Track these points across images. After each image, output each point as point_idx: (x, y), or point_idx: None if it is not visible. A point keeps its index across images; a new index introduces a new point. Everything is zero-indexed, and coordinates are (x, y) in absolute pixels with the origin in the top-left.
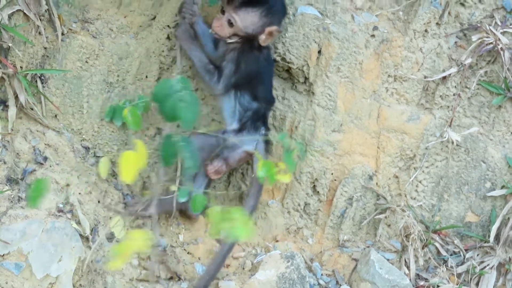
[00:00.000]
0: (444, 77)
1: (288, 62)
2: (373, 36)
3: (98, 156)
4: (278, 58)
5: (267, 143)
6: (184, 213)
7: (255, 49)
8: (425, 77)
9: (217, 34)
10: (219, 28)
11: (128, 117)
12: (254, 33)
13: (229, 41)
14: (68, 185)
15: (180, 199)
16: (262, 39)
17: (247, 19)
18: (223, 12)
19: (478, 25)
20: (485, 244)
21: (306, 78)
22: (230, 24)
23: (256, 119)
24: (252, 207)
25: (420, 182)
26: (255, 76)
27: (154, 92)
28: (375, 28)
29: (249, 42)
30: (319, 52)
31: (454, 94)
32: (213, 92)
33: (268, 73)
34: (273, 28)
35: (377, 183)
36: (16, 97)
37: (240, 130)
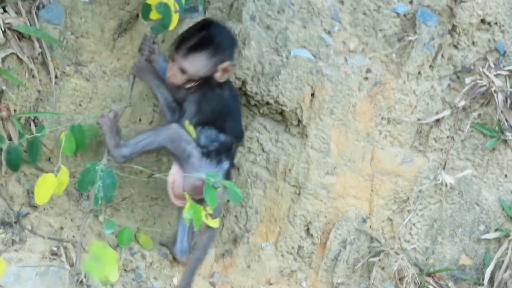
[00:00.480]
0: (438, 120)
1: (281, 105)
2: (366, 78)
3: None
4: (271, 101)
5: (227, 176)
6: (174, 258)
7: (215, 87)
8: (419, 119)
9: (172, 83)
10: (173, 77)
11: (62, 142)
12: (208, 74)
13: (187, 86)
14: (62, 228)
15: (106, 230)
16: (218, 76)
17: (197, 64)
18: (173, 60)
19: (472, 67)
20: (479, 287)
21: (300, 121)
22: (182, 71)
23: (221, 152)
24: (198, 260)
25: (414, 224)
26: (219, 112)
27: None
28: (369, 70)
29: (207, 82)
30: (313, 94)
31: (447, 137)
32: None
33: (234, 107)
34: (226, 64)
35: (370, 226)
36: (10, 140)
37: (203, 156)
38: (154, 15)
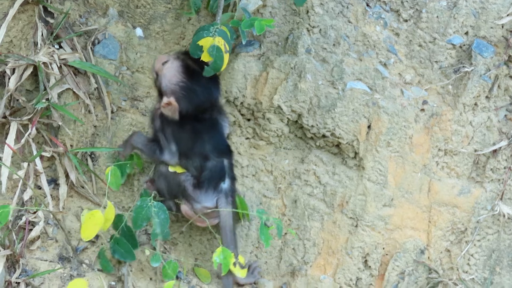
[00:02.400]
0: (495, 150)
1: (338, 137)
2: (422, 110)
3: (149, 233)
4: (327, 133)
5: (231, 195)
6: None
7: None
8: (476, 150)
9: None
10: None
11: (108, 177)
12: (163, 87)
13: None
14: (120, 262)
15: (152, 264)
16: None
17: (169, 69)
18: None
19: None
20: None
21: (356, 153)
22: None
23: (214, 177)
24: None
25: (472, 255)
26: (193, 142)
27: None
28: (425, 102)
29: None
30: (369, 127)
31: (505, 167)
32: (170, 163)
33: (208, 127)
34: (166, 100)
35: (428, 257)
36: (67, 176)
37: (198, 186)
38: (205, 57)
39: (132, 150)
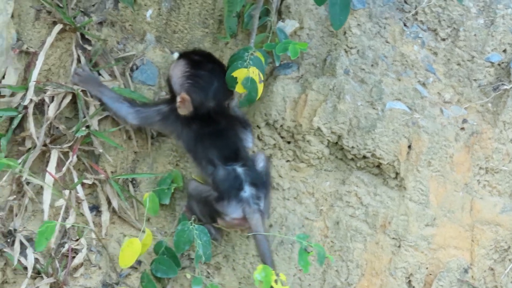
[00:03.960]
0: None
1: (379, 158)
2: (462, 129)
3: (191, 258)
4: (368, 154)
5: (257, 202)
6: None
7: (188, 121)
8: None
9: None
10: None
11: (146, 203)
12: (174, 89)
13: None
14: (163, 287)
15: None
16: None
17: (175, 71)
18: None
19: None
20: None
21: (397, 173)
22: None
23: (231, 187)
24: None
25: None
26: (203, 148)
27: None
28: (465, 121)
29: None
30: (409, 146)
31: None
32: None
33: (214, 132)
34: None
35: (472, 276)
36: (109, 202)
37: (220, 198)
38: (240, 89)
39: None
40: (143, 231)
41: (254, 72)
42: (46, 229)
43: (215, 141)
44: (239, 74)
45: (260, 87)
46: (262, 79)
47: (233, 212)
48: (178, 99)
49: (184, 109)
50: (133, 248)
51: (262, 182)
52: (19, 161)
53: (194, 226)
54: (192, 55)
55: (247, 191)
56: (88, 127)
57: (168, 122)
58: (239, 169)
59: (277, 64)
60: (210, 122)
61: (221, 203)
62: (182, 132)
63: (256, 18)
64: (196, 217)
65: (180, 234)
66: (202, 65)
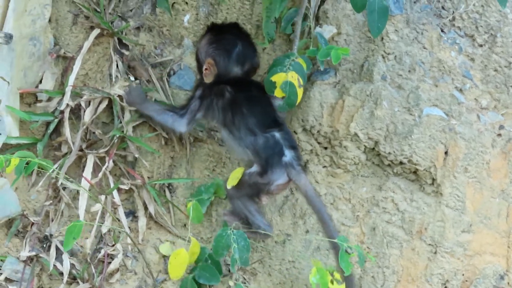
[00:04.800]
0: None
1: (415, 164)
2: (499, 135)
3: (228, 264)
4: (404, 160)
5: (298, 163)
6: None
7: (217, 88)
8: None
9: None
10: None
11: (190, 211)
12: (201, 60)
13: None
14: None
15: None
16: (203, 72)
17: (201, 43)
18: None
19: None
20: None
21: (434, 180)
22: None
23: (272, 154)
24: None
25: None
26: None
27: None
28: (501, 127)
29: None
30: (446, 153)
31: None
32: (178, 130)
33: (248, 100)
34: (211, 61)
35: (508, 283)
36: (145, 208)
37: (264, 172)
38: (278, 93)
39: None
40: (188, 241)
41: (293, 77)
42: (74, 228)
43: (251, 108)
44: (278, 78)
45: (300, 92)
46: (302, 84)
47: (278, 178)
48: (204, 66)
49: (210, 76)
50: (180, 259)
51: (296, 144)
52: (56, 166)
53: (233, 231)
54: (217, 25)
55: (288, 155)
56: (124, 132)
57: (207, 103)
58: (277, 135)
59: (321, 68)
60: (242, 89)
61: (265, 175)
62: (218, 105)
63: (299, 25)
64: (238, 224)
65: (219, 239)
66: (226, 31)
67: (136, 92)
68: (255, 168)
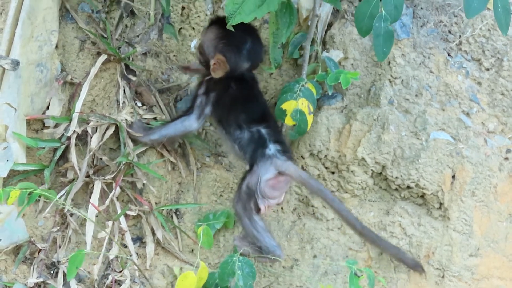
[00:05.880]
0: None
1: (422, 188)
2: (506, 159)
3: None
4: (412, 185)
5: (284, 154)
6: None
7: (222, 83)
8: None
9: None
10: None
11: (200, 236)
12: (207, 56)
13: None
14: None
15: None
16: (211, 67)
17: (208, 35)
18: None
19: None
20: None
21: (441, 204)
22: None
23: (257, 147)
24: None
25: None
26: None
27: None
28: (509, 150)
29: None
30: (453, 177)
31: None
32: (191, 128)
33: (246, 95)
34: (221, 57)
35: None
36: (153, 233)
37: (251, 168)
38: (289, 121)
39: None
40: (197, 266)
41: (303, 104)
42: (76, 257)
43: (246, 104)
44: (288, 106)
45: (310, 118)
46: (312, 110)
47: (265, 172)
48: (213, 61)
49: (220, 71)
50: (188, 282)
51: (286, 143)
52: (63, 192)
53: (238, 257)
54: (223, 19)
55: (272, 148)
56: (131, 158)
57: (214, 98)
58: (263, 130)
59: (330, 93)
60: (244, 85)
61: (253, 171)
62: (223, 100)
63: (307, 49)
64: (248, 250)
65: (224, 266)
66: (235, 26)
67: (138, 125)
68: (246, 167)
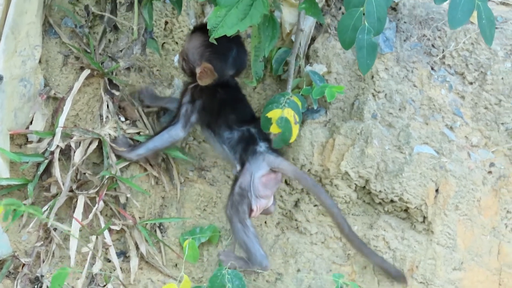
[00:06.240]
0: None
1: (406, 202)
2: (490, 172)
3: None
4: (395, 198)
5: (274, 150)
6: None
7: (208, 89)
8: None
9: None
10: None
11: (186, 250)
12: (192, 63)
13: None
14: None
15: None
16: (197, 75)
17: (192, 42)
18: None
19: None
20: None
21: (425, 217)
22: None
23: (248, 144)
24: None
25: None
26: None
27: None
28: (492, 164)
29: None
30: (437, 190)
31: None
32: (178, 138)
33: (233, 99)
34: (208, 65)
35: None
36: (137, 248)
37: (242, 165)
38: (274, 129)
39: None
40: (180, 280)
41: (289, 113)
42: (59, 275)
43: (234, 107)
44: (274, 114)
45: (296, 129)
46: (298, 121)
47: (258, 169)
48: (199, 69)
49: (207, 79)
50: None
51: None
52: (46, 207)
53: (227, 271)
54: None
55: (262, 145)
56: (114, 172)
57: (200, 105)
58: (253, 130)
59: (315, 107)
60: (229, 90)
61: (245, 169)
62: (210, 106)
63: (292, 64)
64: (234, 264)
65: (214, 279)
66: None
67: (122, 140)
68: (236, 168)
